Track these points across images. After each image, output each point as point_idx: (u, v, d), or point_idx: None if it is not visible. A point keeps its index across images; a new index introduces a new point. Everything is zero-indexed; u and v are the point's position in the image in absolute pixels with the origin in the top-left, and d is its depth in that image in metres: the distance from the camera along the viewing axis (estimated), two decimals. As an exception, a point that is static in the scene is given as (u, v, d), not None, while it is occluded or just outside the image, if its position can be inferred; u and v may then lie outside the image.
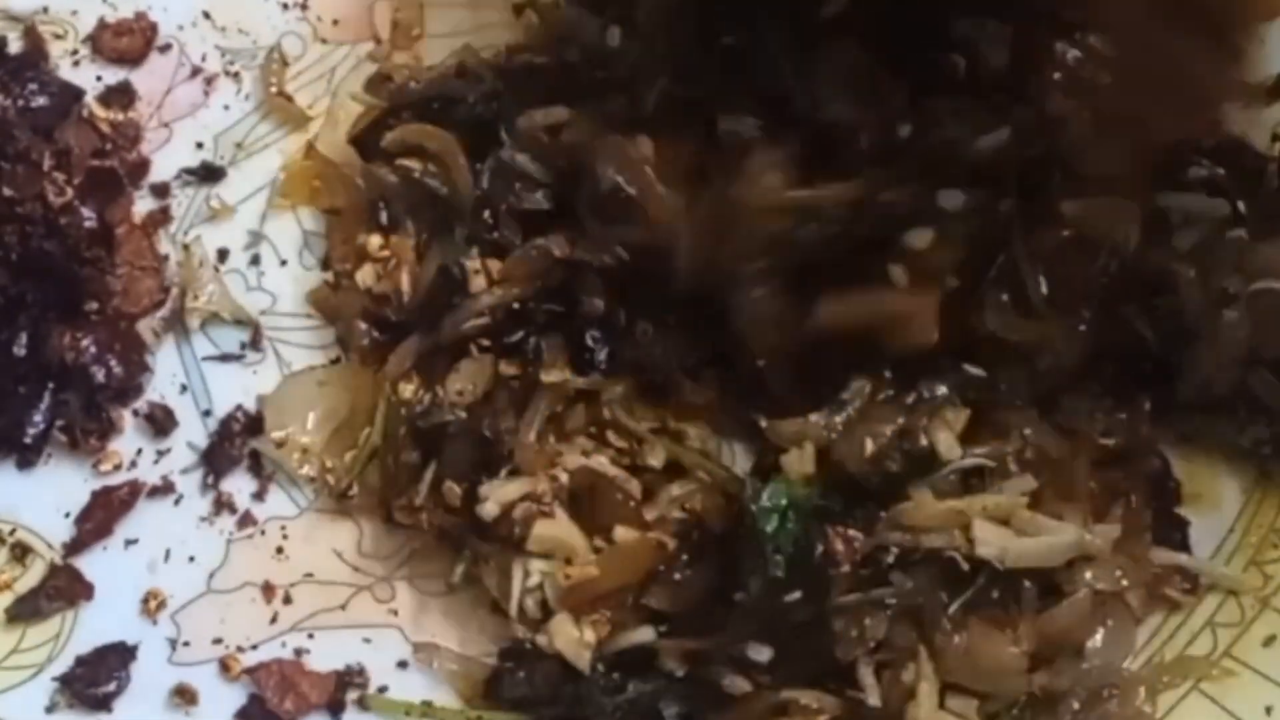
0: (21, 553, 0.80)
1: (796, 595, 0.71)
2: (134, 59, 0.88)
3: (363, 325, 0.81)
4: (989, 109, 0.70)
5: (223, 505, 0.81)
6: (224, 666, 0.78)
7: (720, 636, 0.72)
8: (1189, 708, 0.75)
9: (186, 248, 0.84)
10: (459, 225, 0.79)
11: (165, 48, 0.88)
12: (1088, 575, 0.73)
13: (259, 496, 0.81)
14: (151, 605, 0.79)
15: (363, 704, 0.77)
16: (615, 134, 0.75)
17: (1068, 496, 0.74)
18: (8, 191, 0.80)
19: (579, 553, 0.75)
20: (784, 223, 0.72)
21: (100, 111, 0.86)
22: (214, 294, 0.83)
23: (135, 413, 0.82)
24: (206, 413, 0.82)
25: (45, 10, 0.88)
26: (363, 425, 0.79)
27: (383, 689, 0.78)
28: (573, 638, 0.74)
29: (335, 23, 0.89)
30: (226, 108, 0.87)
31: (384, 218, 0.82)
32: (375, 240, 0.81)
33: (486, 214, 0.79)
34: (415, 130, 0.82)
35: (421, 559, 0.79)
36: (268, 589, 0.79)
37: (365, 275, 0.81)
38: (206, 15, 0.88)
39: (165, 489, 0.81)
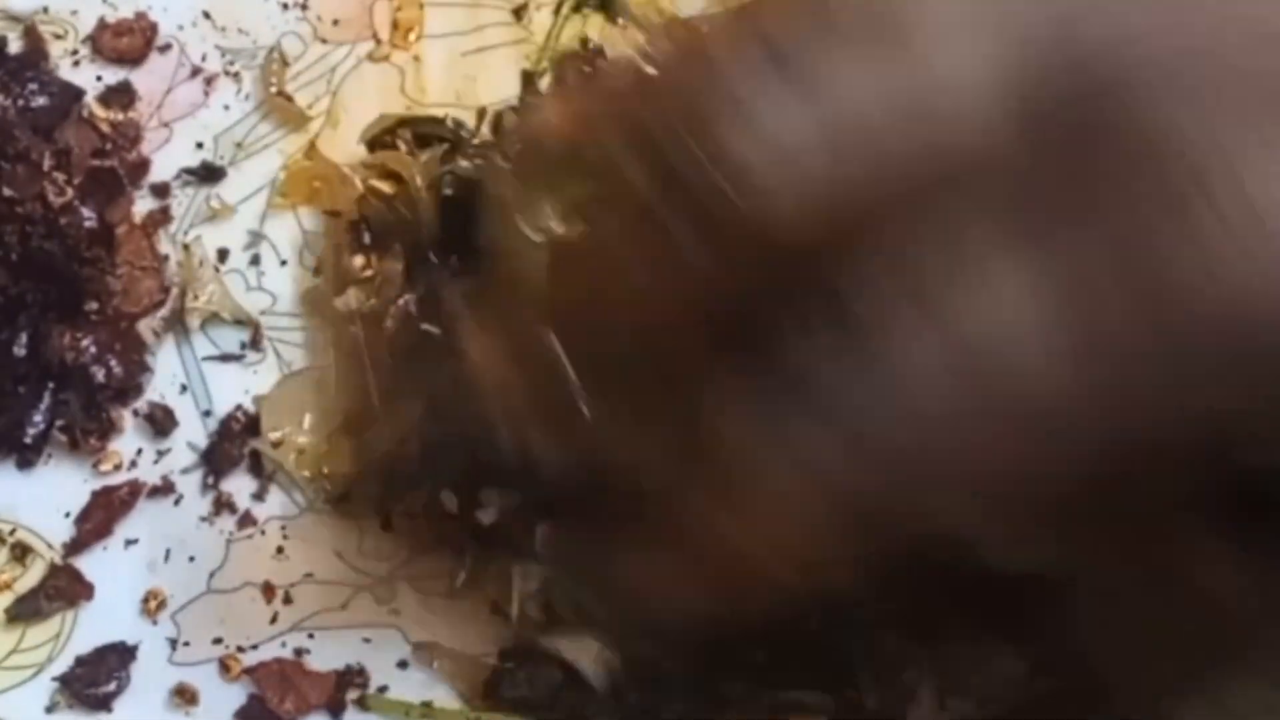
0: (21, 553, 0.80)
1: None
2: (134, 59, 0.87)
3: (353, 329, 0.80)
4: None
5: (223, 505, 0.81)
6: (224, 666, 0.78)
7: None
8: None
9: (186, 248, 0.84)
10: (438, 259, 0.79)
11: (165, 48, 0.88)
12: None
13: (259, 496, 0.81)
14: (151, 605, 0.79)
15: (363, 704, 0.77)
16: None
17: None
18: (8, 191, 0.80)
19: None
20: None
21: (100, 111, 0.86)
22: (214, 294, 0.83)
23: (135, 413, 0.82)
24: (206, 413, 0.82)
25: (45, 10, 0.88)
26: (362, 426, 0.79)
27: (383, 689, 0.78)
28: (592, 652, 0.74)
29: (335, 23, 0.89)
30: (226, 108, 0.87)
31: (367, 237, 0.82)
32: (358, 261, 0.81)
33: (456, 258, 0.79)
34: (389, 156, 0.82)
35: (422, 561, 0.79)
36: (268, 589, 0.79)
37: (349, 299, 0.80)
38: (206, 15, 0.88)
39: (165, 489, 0.81)
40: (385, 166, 0.82)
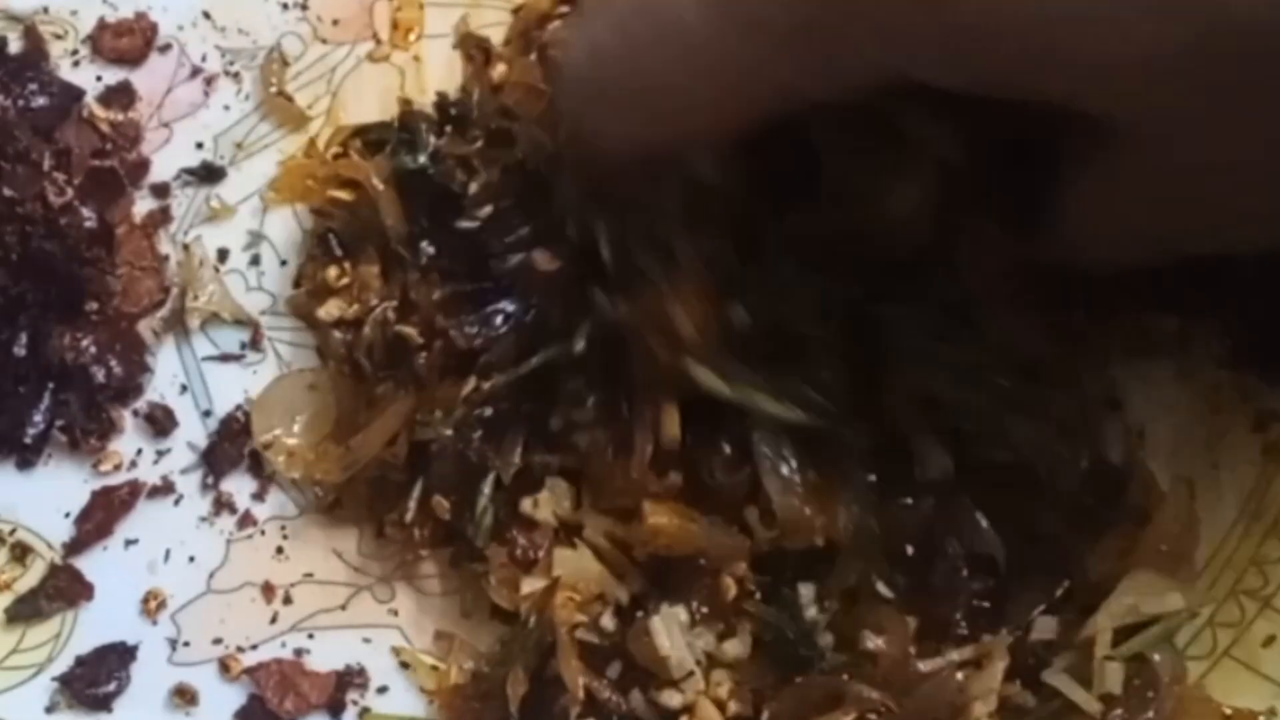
0: (21, 553, 0.80)
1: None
2: (134, 59, 0.87)
3: (338, 334, 0.80)
4: None
5: (223, 505, 0.81)
6: (224, 666, 0.78)
7: None
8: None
9: (186, 248, 0.84)
10: (407, 253, 0.79)
11: (165, 48, 0.88)
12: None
13: (259, 497, 0.81)
14: (151, 605, 0.79)
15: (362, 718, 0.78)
16: None
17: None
18: (8, 191, 0.80)
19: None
20: None
21: (100, 111, 0.86)
22: (214, 294, 0.83)
23: (135, 413, 0.82)
24: (206, 413, 0.82)
25: (45, 10, 0.88)
26: (350, 432, 0.78)
27: (383, 689, 0.78)
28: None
29: (335, 23, 0.89)
30: (226, 108, 0.87)
31: (337, 249, 0.81)
32: (333, 272, 0.81)
33: (425, 243, 0.78)
34: (341, 164, 0.82)
35: (419, 563, 0.79)
36: (268, 589, 0.79)
37: (330, 309, 0.80)
38: (206, 15, 0.88)
39: (165, 489, 0.81)
40: (340, 176, 0.82)
